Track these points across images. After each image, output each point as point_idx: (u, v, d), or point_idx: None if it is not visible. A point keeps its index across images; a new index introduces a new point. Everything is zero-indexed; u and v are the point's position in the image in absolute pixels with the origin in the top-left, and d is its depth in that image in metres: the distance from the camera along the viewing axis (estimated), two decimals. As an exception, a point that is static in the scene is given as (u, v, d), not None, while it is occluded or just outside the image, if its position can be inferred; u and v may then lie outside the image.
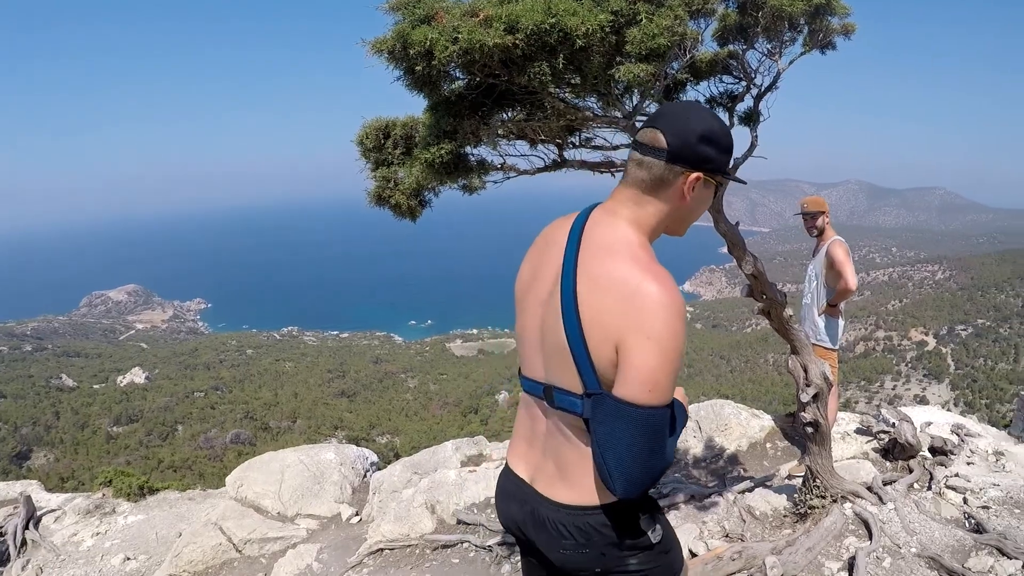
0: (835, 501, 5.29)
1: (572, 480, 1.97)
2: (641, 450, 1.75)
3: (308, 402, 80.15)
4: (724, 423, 8.30)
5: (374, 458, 9.95)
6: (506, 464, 2.24)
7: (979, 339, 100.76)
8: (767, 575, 4.37)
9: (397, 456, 10.77)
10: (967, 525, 5.33)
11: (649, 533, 1.99)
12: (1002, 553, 4.66)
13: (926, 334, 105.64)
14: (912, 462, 6.34)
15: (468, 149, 3.24)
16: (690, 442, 8.32)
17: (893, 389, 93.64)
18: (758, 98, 3.70)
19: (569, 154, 3.38)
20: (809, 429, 4.86)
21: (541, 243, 2.11)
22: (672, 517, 6.11)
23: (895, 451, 6.48)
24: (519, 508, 2.12)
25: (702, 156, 1.89)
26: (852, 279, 6.12)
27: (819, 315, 6.45)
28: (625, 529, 1.97)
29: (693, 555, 5.19)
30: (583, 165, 3.40)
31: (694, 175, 1.90)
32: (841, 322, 6.52)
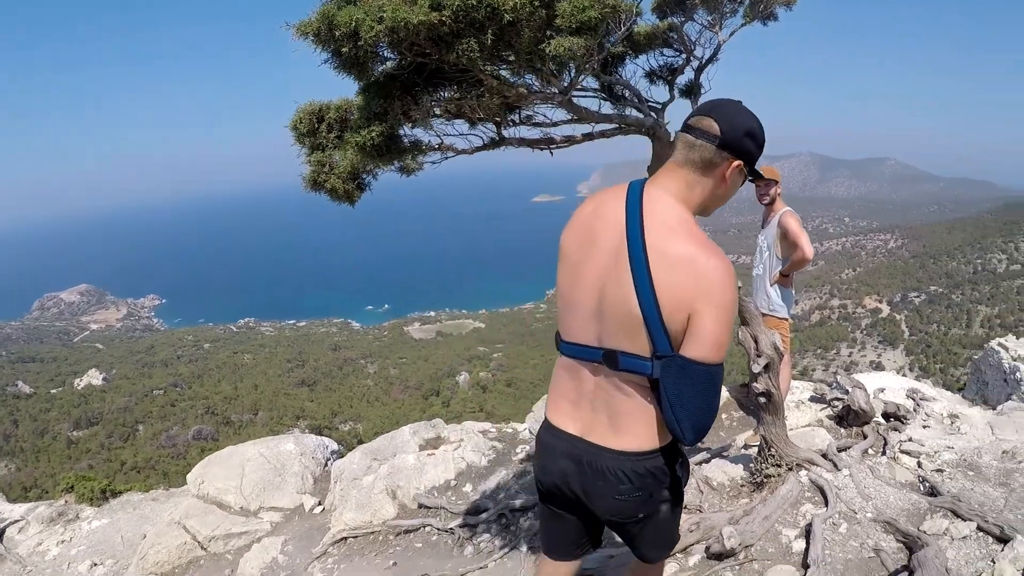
0: (791, 469, 5.32)
1: (628, 430, 2.28)
2: (705, 401, 2.12)
3: (269, 393, 79.60)
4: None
5: (334, 446, 9.93)
6: (548, 424, 2.51)
7: (932, 305, 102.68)
8: (724, 544, 4.38)
9: (360, 443, 10.71)
10: (922, 489, 5.41)
11: (680, 477, 2.43)
12: (956, 515, 4.70)
13: (880, 301, 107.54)
14: (866, 428, 6.41)
15: (404, 130, 3.19)
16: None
17: (849, 356, 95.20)
18: (699, 70, 3.68)
19: (509, 132, 3.33)
20: (762, 399, 4.88)
21: (590, 216, 2.34)
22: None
23: (849, 418, 6.55)
24: (569, 462, 2.40)
25: (745, 148, 2.21)
26: (808, 248, 6.11)
27: (771, 285, 6.45)
28: (667, 473, 2.37)
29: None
30: (522, 143, 3.34)
31: (736, 163, 2.21)
32: (792, 292, 6.57)
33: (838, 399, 6.99)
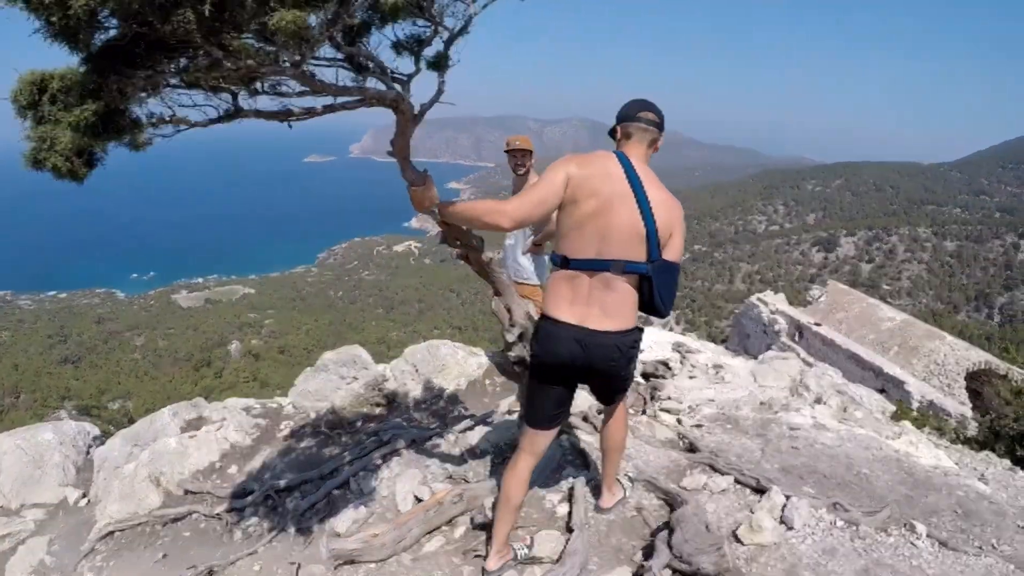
0: (552, 433, 5.44)
1: (616, 316, 3.44)
2: (675, 288, 3.53)
3: (30, 373, 73.75)
4: (441, 363, 8.35)
5: (96, 432, 9.36)
6: (551, 319, 3.52)
7: (696, 263, 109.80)
8: (487, 516, 4.41)
9: (131, 421, 10.18)
10: (681, 445, 5.63)
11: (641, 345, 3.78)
12: (715, 469, 4.93)
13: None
14: None
15: (136, 105, 2.97)
16: (408, 385, 8.32)
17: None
18: (448, 43, 3.61)
19: (247, 103, 3.16)
20: (518, 368, 4.94)
21: (601, 172, 3.39)
22: (394, 464, 6.13)
23: None
24: (575, 343, 3.45)
25: (664, 128, 3.62)
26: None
27: (524, 254, 6.50)
28: (638, 342, 3.64)
29: (419, 500, 5.16)
30: (259, 115, 3.19)
31: (662, 138, 3.60)
32: (546, 259, 6.62)
33: None
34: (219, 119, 3.17)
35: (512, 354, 4.91)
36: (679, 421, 6.20)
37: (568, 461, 5.22)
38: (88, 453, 8.59)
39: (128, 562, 6.33)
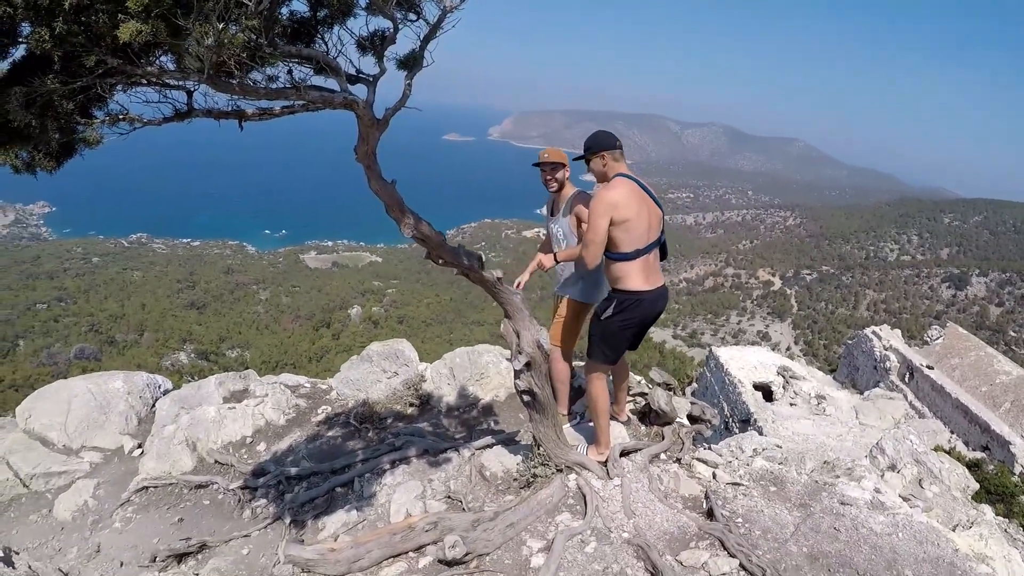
0: (560, 471, 5.00)
1: (660, 275, 4.96)
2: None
3: (156, 314, 77.61)
4: (481, 372, 8.03)
5: (168, 385, 9.58)
6: (642, 290, 4.80)
7: (822, 284, 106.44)
8: (446, 554, 4.10)
9: (245, 368, 10.41)
10: (704, 505, 4.97)
11: None
12: (723, 546, 4.33)
13: (773, 275, 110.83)
14: (666, 429, 5.91)
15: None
16: (444, 389, 8.07)
17: (738, 324, 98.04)
18: (424, 40, 3.28)
19: (199, 103, 2.98)
20: (526, 398, 4.61)
21: (628, 191, 4.68)
22: (400, 472, 6.00)
23: (650, 416, 6.12)
24: (660, 301, 4.94)
25: None
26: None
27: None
28: None
29: (409, 515, 4.98)
30: (209, 114, 3.01)
31: None
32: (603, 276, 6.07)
33: (643, 394, 6.43)
34: (172, 118, 3.02)
35: (519, 384, 4.59)
36: (714, 475, 5.43)
37: (568, 505, 4.80)
38: (153, 406, 8.80)
39: (151, 519, 6.60)
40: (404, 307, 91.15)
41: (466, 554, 4.15)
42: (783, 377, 21.04)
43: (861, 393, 22.74)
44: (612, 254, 4.76)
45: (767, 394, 19.81)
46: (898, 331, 26.06)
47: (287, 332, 77.66)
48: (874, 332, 25.04)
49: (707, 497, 5.01)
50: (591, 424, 5.42)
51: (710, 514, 4.79)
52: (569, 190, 5.65)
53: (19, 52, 2.60)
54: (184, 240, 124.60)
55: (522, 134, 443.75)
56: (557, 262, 5.33)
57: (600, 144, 4.86)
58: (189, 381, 9.88)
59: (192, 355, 66.76)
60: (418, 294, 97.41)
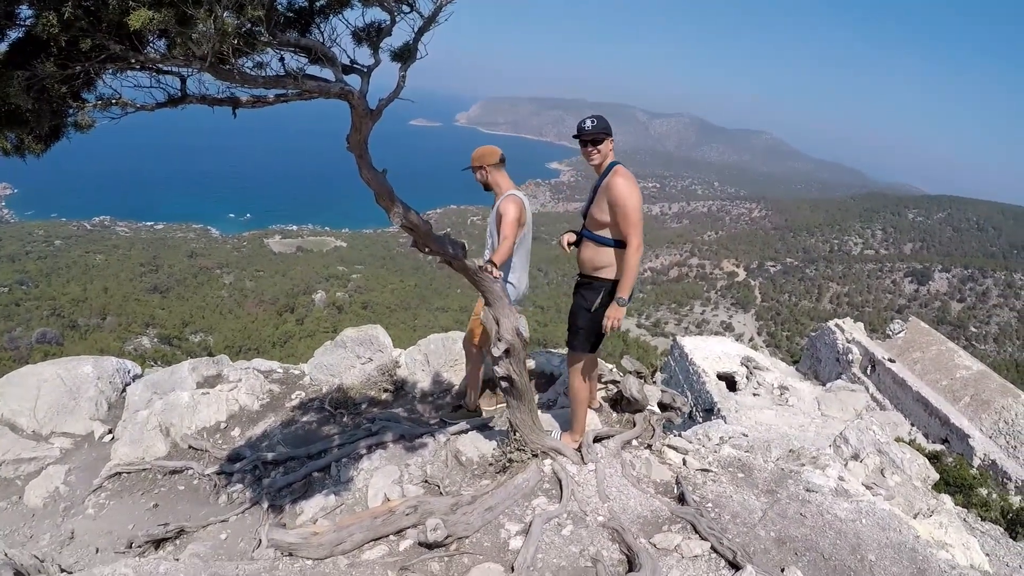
0: (535, 456, 5.09)
1: None
2: None
3: (119, 298, 76.34)
4: (455, 358, 8.09)
5: (137, 370, 9.56)
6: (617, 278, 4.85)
7: (786, 276, 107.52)
8: (427, 537, 4.18)
9: (211, 355, 10.39)
10: (675, 490, 5.09)
11: None
12: (695, 530, 4.43)
13: (737, 266, 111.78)
14: (637, 416, 6.03)
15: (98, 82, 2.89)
16: (418, 375, 8.11)
17: (702, 314, 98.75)
18: (419, 32, 3.33)
19: (193, 88, 3.01)
20: (504, 383, 4.68)
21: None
22: (377, 457, 6.04)
23: (622, 404, 6.23)
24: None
25: None
26: (503, 244, 5.42)
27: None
28: None
29: (388, 500, 5.04)
30: (203, 100, 3.04)
31: None
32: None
33: (614, 382, 6.55)
34: (165, 103, 3.04)
35: (498, 370, 4.66)
36: (684, 462, 5.58)
37: (544, 490, 4.89)
38: (123, 391, 8.77)
39: (125, 504, 6.61)
40: (369, 292, 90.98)
41: (447, 537, 4.21)
42: (747, 368, 21.20)
43: (823, 385, 22.99)
44: (614, 241, 4.77)
45: (731, 384, 20.05)
46: (861, 324, 26.42)
47: (251, 317, 77.08)
48: (837, 325, 25.36)
49: (678, 483, 5.13)
50: (564, 410, 5.51)
51: (681, 499, 4.91)
52: (506, 187, 5.66)
53: (14, 34, 2.61)
54: (148, 223, 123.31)
55: (489, 120, 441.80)
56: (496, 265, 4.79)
57: (607, 130, 4.79)
58: (152, 366, 9.85)
59: (155, 340, 65.93)
60: (383, 280, 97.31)
